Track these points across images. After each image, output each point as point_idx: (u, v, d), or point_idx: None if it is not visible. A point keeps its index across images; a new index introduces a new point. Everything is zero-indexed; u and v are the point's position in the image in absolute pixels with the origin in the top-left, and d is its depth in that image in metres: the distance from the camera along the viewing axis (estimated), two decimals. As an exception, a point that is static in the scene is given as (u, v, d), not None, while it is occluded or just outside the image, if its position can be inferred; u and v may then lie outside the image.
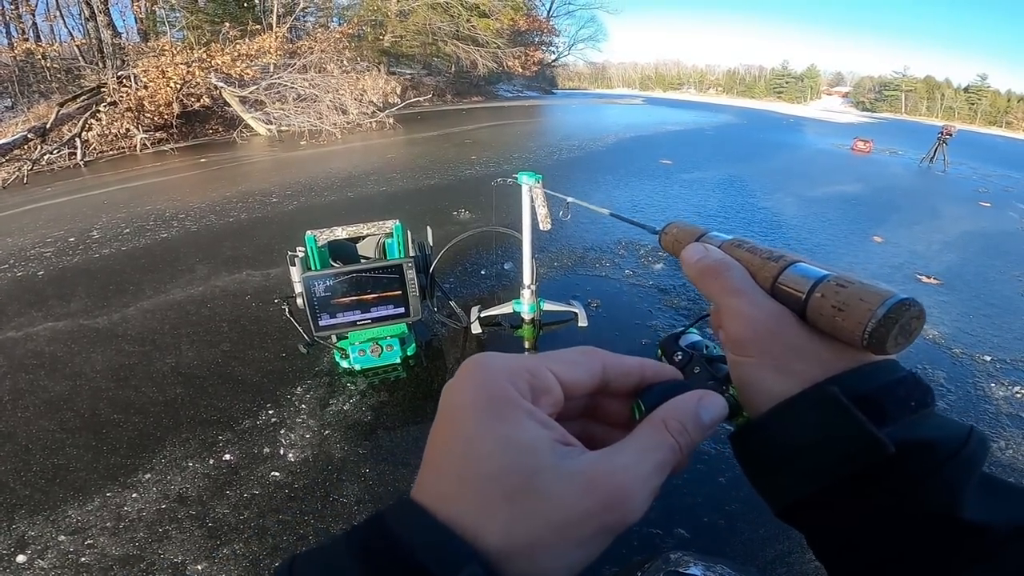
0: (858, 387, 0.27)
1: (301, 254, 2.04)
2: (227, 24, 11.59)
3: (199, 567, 1.47)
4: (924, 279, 3.74)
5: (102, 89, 8.84)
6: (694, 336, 0.42)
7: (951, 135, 9.51)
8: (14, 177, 6.59)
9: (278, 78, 10.14)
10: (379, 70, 15.27)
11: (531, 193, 2.20)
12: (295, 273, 2.00)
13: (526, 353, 2.27)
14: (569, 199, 1.26)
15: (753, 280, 0.31)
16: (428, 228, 2.39)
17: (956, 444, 0.25)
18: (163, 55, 9.34)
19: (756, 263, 0.32)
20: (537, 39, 26.49)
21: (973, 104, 51.58)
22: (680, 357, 0.39)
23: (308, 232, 2.12)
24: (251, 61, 10.24)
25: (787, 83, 62.35)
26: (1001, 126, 46.24)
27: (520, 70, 21.93)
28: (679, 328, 0.43)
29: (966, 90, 53.20)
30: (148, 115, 8.84)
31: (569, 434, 0.24)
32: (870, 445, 0.25)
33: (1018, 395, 2.40)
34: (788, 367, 0.28)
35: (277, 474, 1.79)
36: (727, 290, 0.31)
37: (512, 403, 0.23)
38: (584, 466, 0.22)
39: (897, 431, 0.25)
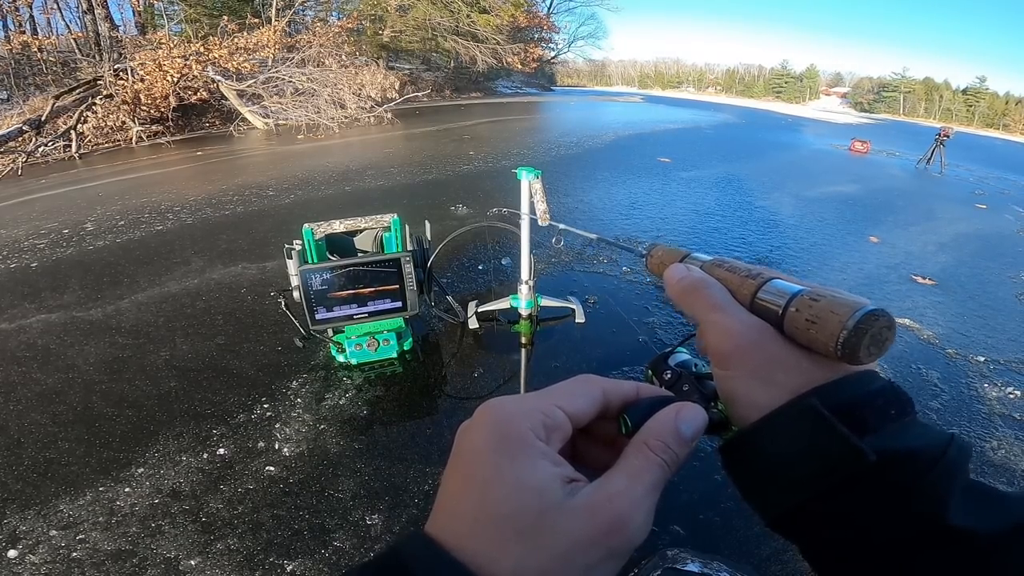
0: (838, 398, 0.27)
1: (298, 247, 2.03)
2: (226, 17, 11.52)
3: (192, 562, 1.46)
4: (919, 280, 3.75)
5: (98, 82, 8.77)
6: (683, 355, 0.43)
7: (949, 137, 9.53)
8: (9, 169, 6.53)
9: (276, 72, 10.08)
10: (378, 65, 15.22)
11: (530, 189, 2.19)
12: (292, 266, 1.99)
13: (524, 367, 2.25)
14: (561, 226, 1.29)
15: (732, 297, 0.32)
16: (426, 223, 2.38)
17: (937, 452, 0.26)
18: (160, 48, 9.27)
19: (735, 281, 0.33)
20: (537, 36, 26.42)
21: (971, 106, 51.77)
22: (669, 376, 0.40)
23: (305, 225, 2.11)
24: (249, 55, 10.16)
25: (786, 83, 62.40)
26: (999, 128, 46.42)
27: (519, 66, 21.85)
28: (668, 346, 0.44)
29: (964, 92, 53.39)
30: (144, 108, 8.78)
31: (575, 470, 0.25)
32: (851, 455, 0.25)
33: (1011, 396, 2.41)
34: (771, 378, 0.29)
35: (272, 469, 1.78)
36: (708, 306, 0.32)
37: (527, 444, 0.24)
38: (584, 498, 0.23)
39: (878, 440, 0.26)
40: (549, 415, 0.26)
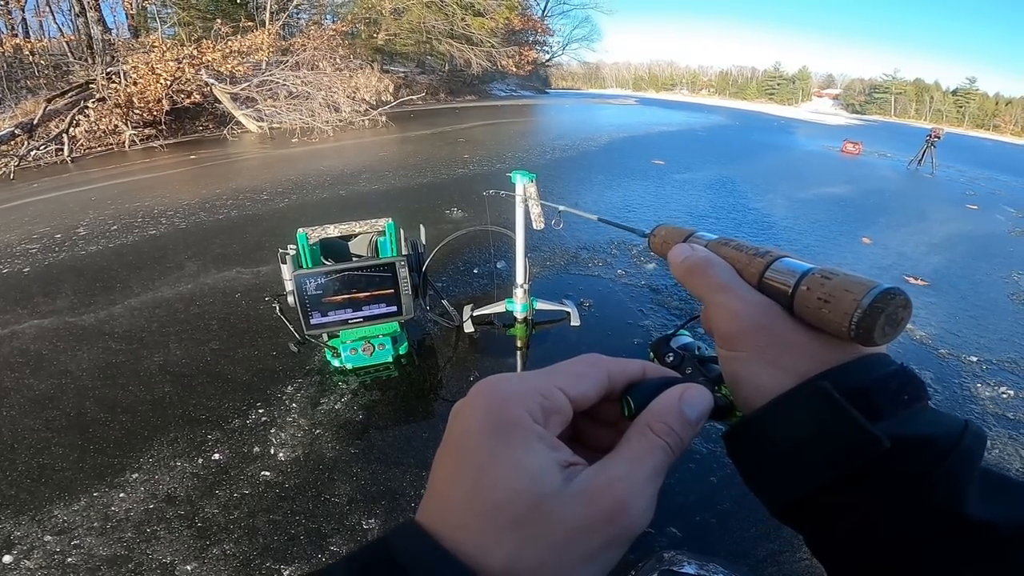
0: (850, 381, 0.26)
1: (292, 252, 2.02)
2: (219, 20, 11.49)
3: (188, 567, 1.45)
4: (912, 280, 3.78)
5: (91, 85, 8.73)
6: (686, 338, 0.42)
7: (939, 138, 9.60)
8: (0, 173, 6.50)
9: (270, 75, 10.06)
10: (372, 68, 15.19)
11: (524, 192, 2.20)
12: (286, 271, 1.98)
13: (520, 370, 2.25)
14: (561, 208, 1.27)
15: (739, 276, 0.31)
16: (421, 226, 2.38)
17: (952, 439, 0.25)
18: (153, 51, 9.23)
19: (743, 260, 0.32)
20: (531, 38, 26.46)
21: (961, 107, 52.24)
22: (672, 358, 0.39)
23: (300, 230, 2.11)
24: (243, 58, 10.15)
25: (779, 85, 62.82)
26: (989, 129, 46.85)
27: (514, 69, 21.89)
28: (670, 329, 0.43)
29: (955, 93, 53.88)
30: (137, 111, 8.74)
31: (574, 454, 0.24)
32: (864, 441, 0.24)
33: (1004, 395, 2.43)
34: (778, 361, 0.28)
35: (267, 474, 1.77)
36: (713, 286, 0.31)
37: (523, 427, 0.23)
38: (583, 483, 0.22)
39: (891, 426, 0.25)
40: (548, 397, 0.24)
